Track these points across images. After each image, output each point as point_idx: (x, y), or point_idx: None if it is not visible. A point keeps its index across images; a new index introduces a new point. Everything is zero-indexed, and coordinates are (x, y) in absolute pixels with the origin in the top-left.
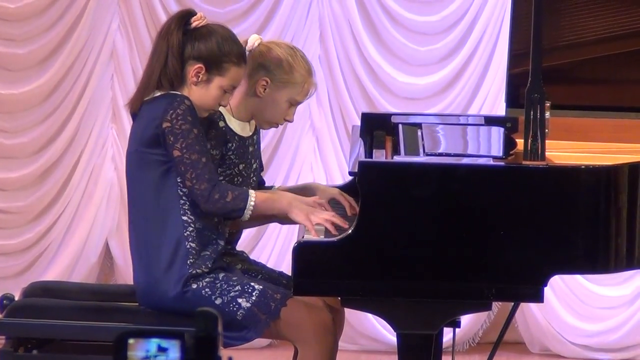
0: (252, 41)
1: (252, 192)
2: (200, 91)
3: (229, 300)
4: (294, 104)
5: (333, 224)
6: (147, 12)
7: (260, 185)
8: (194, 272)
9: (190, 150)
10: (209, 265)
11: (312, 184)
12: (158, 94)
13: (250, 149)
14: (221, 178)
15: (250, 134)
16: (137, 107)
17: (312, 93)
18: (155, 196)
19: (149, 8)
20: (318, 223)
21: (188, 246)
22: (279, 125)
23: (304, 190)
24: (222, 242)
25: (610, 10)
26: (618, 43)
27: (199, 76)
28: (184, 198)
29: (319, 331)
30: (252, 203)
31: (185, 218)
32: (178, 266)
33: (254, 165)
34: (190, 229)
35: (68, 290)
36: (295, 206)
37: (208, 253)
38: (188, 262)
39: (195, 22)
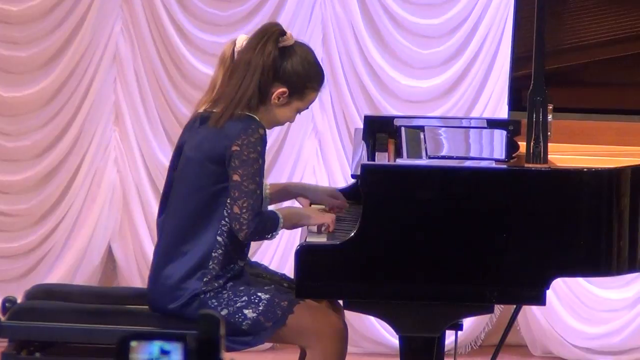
0: (241, 42)
1: (280, 217)
2: (278, 111)
3: (235, 311)
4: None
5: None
6: (149, 15)
7: None
8: (206, 289)
9: (250, 179)
10: (221, 283)
11: (303, 185)
12: (241, 112)
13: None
14: None
15: None
16: (223, 123)
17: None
18: (202, 209)
19: (152, 11)
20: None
21: (211, 266)
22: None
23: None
24: (242, 264)
25: (612, 13)
26: (620, 46)
27: (280, 99)
28: (226, 219)
29: (326, 335)
30: (281, 226)
31: (219, 239)
32: (193, 281)
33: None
34: (220, 251)
35: (70, 293)
36: (308, 217)
37: (223, 273)
38: (204, 280)
39: (285, 42)
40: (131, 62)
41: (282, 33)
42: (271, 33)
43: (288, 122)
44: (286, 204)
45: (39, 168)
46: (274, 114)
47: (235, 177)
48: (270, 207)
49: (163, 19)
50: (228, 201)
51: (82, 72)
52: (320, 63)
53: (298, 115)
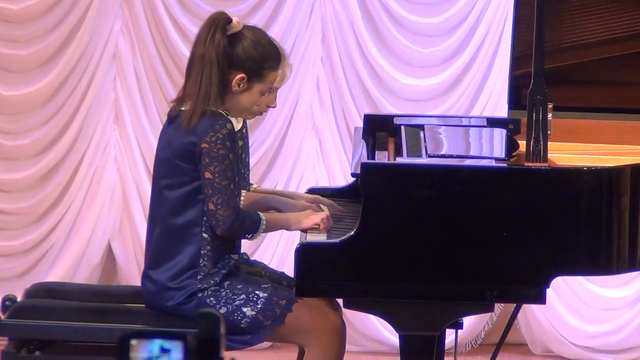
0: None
1: (263, 218)
2: (241, 97)
3: (233, 309)
4: (273, 91)
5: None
6: (149, 14)
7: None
8: (201, 286)
9: (222, 175)
10: (217, 280)
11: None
12: (208, 108)
13: (240, 142)
14: None
15: (239, 127)
16: (196, 122)
17: (288, 76)
18: (183, 208)
19: (152, 10)
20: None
21: (202, 264)
22: (263, 113)
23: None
24: (234, 257)
25: (612, 12)
26: (620, 45)
27: (240, 85)
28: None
29: (325, 333)
30: (263, 228)
31: (205, 235)
32: (187, 280)
33: (245, 160)
34: (208, 247)
35: (70, 291)
36: (294, 222)
37: (217, 269)
38: (198, 278)
39: (233, 29)
40: (131, 60)
41: (228, 21)
42: (217, 22)
43: (269, 107)
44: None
45: (39, 166)
46: (239, 101)
47: (207, 175)
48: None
49: (163, 17)
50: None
51: (82, 71)
52: (273, 41)
53: (276, 92)
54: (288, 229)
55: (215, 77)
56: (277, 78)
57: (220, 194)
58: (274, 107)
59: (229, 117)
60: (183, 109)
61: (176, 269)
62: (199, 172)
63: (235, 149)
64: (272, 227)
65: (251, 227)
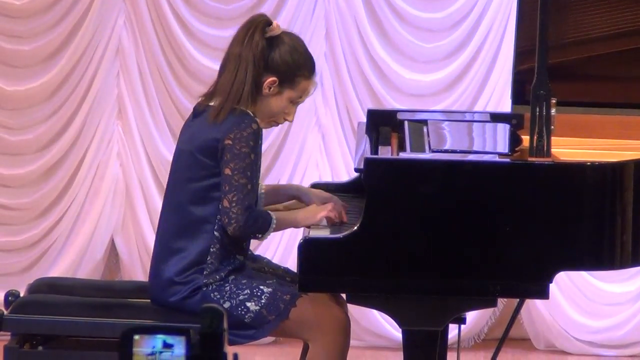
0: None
1: (273, 218)
2: (270, 101)
3: (237, 304)
4: (294, 103)
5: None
6: (152, 8)
7: None
8: (207, 281)
9: (241, 173)
10: (222, 276)
11: (297, 187)
12: (237, 106)
13: None
14: None
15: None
16: (223, 119)
17: (312, 92)
18: (199, 203)
19: (155, 5)
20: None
21: (210, 261)
22: (278, 124)
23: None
24: (240, 258)
25: (616, 7)
26: (624, 40)
27: (271, 88)
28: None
29: (329, 328)
30: (273, 227)
31: (217, 234)
32: (193, 275)
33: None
34: (218, 246)
35: (73, 286)
36: (302, 218)
37: (223, 266)
38: (204, 273)
39: (272, 32)
40: (134, 55)
41: (268, 23)
42: (257, 24)
43: (286, 120)
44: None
45: (42, 162)
46: (268, 104)
47: (227, 171)
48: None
49: (166, 12)
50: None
51: (85, 66)
52: (309, 51)
53: (296, 107)
54: (296, 226)
55: (249, 77)
56: (308, 87)
57: (236, 192)
58: (291, 120)
59: (255, 118)
60: (211, 104)
61: (184, 263)
62: (219, 169)
63: (258, 150)
64: (281, 227)
65: (262, 226)
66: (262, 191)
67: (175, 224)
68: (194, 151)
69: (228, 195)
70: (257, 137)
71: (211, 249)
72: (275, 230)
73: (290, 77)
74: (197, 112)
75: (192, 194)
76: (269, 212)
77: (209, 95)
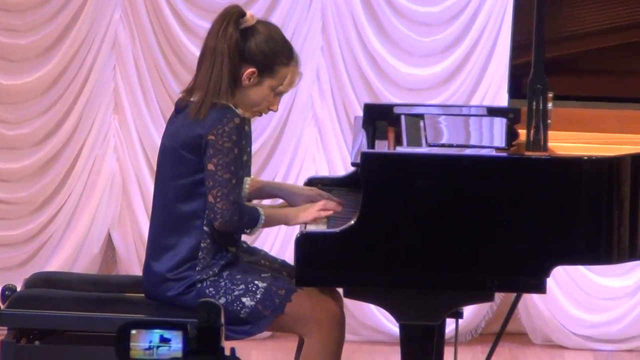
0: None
1: (262, 213)
2: (251, 92)
3: (233, 299)
4: (278, 93)
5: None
6: (149, 2)
7: None
8: (200, 277)
9: (224, 169)
10: (216, 271)
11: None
12: (218, 101)
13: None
14: None
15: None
16: (205, 114)
17: (296, 83)
18: (186, 199)
19: None
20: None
21: (201, 256)
22: (262, 115)
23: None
24: (233, 250)
25: (612, 1)
26: (621, 34)
27: (251, 79)
28: None
29: (324, 323)
30: (261, 223)
31: (206, 229)
32: (185, 271)
33: (248, 149)
34: (209, 240)
35: (70, 281)
36: (293, 216)
37: (215, 261)
38: (196, 269)
39: (246, 22)
40: (130, 49)
41: (242, 14)
42: (230, 15)
43: (270, 109)
44: (265, 202)
45: (39, 156)
46: (249, 95)
47: (210, 167)
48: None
49: (162, 6)
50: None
51: (82, 60)
52: (287, 39)
53: (280, 97)
54: (287, 224)
55: (226, 70)
56: (288, 74)
57: (220, 187)
58: (275, 110)
59: (237, 111)
60: (192, 99)
61: (175, 260)
62: (203, 164)
63: (241, 144)
64: (270, 223)
65: (250, 222)
66: (247, 186)
67: (165, 220)
68: (178, 148)
69: (212, 190)
70: (240, 131)
71: (202, 244)
72: (265, 226)
73: (268, 66)
74: (179, 108)
75: (179, 190)
76: (257, 207)
77: (189, 91)
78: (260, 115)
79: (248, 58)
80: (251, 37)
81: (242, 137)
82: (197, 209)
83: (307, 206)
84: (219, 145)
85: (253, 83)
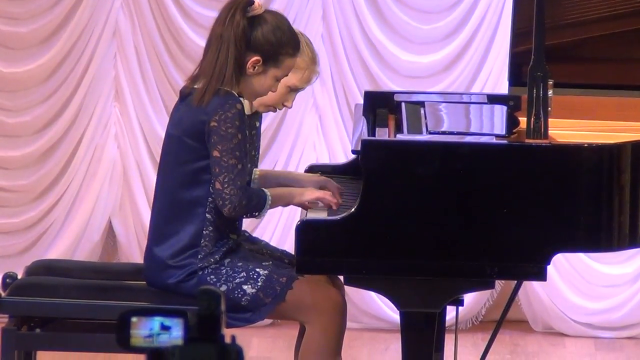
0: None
1: (268, 195)
2: (255, 81)
3: (234, 287)
4: (293, 89)
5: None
6: None
7: None
8: (202, 265)
9: (229, 154)
10: (217, 258)
11: (287, 174)
12: (221, 88)
13: (257, 123)
14: None
15: (250, 110)
16: (208, 101)
17: (313, 81)
18: (189, 186)
19: None
20: (315, 199)
21: (203, 244)
22: (277, 110)
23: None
24: (234, 237)
25: None
26: (622, 21)
27: (255, 67)
28: (213, 197)
29: (325, 310)
30: (269, 204)
31: (209, 216)
32: (187, 258)
33: (256, 143)
34: (211, 228)
35: (71, 268)
36: (299, 194)
37: (217, 248)
38: (198, 257)
39: (254, 11)
40: (131, 37)
41: (250, 2)
42: (238, 3)
43: (284, 106)
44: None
45: (39, 144)
46: (253, 84)
47: (215, 153)
48: None
49: None
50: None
51: (82, 48)
52: (294, 30)
53: (295, 93)
54: (291, 201)
55: (231, 57)
56: (293, 65)
57: (227, 172)
58: (290, 107)
59: (241, 98)
60: (196, 86)
61: (177, 247)
62: (207, 151)
63: (244, 129)
64: (277, 202)
65: (258, 204)
66: (256, 177)
67: (167, 207)
68: (181, 135)
69: (219, 177)
70: (243, 117)
71: (204, 232)
72: (272, 206)
73: (273, 56)
74: (184, 95)
75: (182, 177)
76: (263, 189)
77: (193, 78)
78: (275, 111)
79: (254, 46)
80: (258, 25)
81: (245, 122)
82: (200, 196)
83: (316, 189)
84: (222, 131)
85: (257, 72)
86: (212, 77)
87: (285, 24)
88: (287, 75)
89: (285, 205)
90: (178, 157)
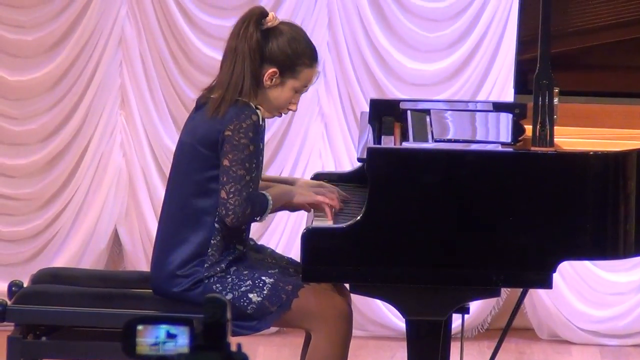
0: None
1: (269, 198)
2: (273, 93)
3: (239, 295)
4: (297, 91)
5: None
6: None
7: None
8: (208, 274)
9: (239, 165)
10: (223, 267)
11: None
12: (238, 99)
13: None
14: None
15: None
16: (224, 112)
17: (314, 81)
18: (199, 194)
19: None
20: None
21: (210, 253)
22: (282, 115)
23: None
24: (240, 247)
25: None
26: (627, 29)
27: (273, 79)
28: None
29: (331, 318)
30: (270, 207)
31: (217, 226)
32: (194, 267)
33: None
34: (219, 237)
35: (77, 276)
36: (299, 193)
37: (223, 257)
38: (205, 266)
39: (269, 23)
40: (137, 45)
41: (264, 15)
42: (251, 16)
43: (290, 109)
44: None
45: (45, 152)
46: (271, 96)
47: (225, 162)
48: None
49: (169, 2)
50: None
51: (88, 56)
52: (311, 40)
53: (299, 96)
54: (292, 199)
55: (247, 70)
56: (312, 76)
57: (234, 183)
58: (295, 110)
59: (258, 110)
60: (213, 96)
61: (185, 255)
62: (219, 160)
63: (258, 141)
64: (278, 202)
65: (260, 209)
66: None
67: (177, 215)
68: (195, 144)
69: (226, 186)
70: (257, 129)
71: (212, 241)
72: (273, 209)
73: (290, 67)
74: (199, 105)
75: (194, 185)
76: (264, 193)
77: (210, 89)
78: (280, 115)
79: (269, 58)
80: (273, 37)
81: (260, 135)
82: (210, 205)
83: (314, 191)
84: (235, 141)
85: (275, 84)
86: (228, 88)
87: (301, 35)
88: (306, 86)
89: (286, 203)
90: (190, 165)
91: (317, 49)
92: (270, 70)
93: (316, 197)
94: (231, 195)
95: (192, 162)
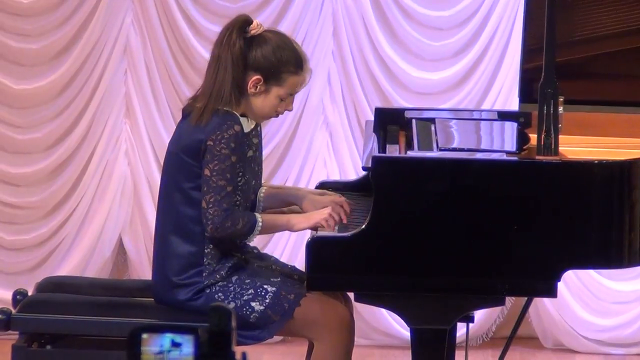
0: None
1: (259, 221)
2: (258, 101)
3: (242, 304)
4: (292, 93)
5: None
6: (160, 7)
7: None
8: (208, 282)
9: (220, 175)
10: (223, 275)
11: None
12: (220, 108)
13: (255, 140)
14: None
15: (251, 127)
16: (207, 120)
17: (308, 81)
18: (187, 204)
19: (163, 3)
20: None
21: (206, 262)
22: (278, 115)
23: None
24: (239, 255)
25: (623, 5)
26: (632, 38)
27: (257, 87)
28: None
29: (333, 327)
30: (258, 230)
31: (207, 234)
32: (192, 277)
33: (259, 158)
34: (211, 246)
35: (81, 285)
36: (296, 222)
37: (222, 264)
38: (203, 275)
39: (252, 31)
40: (142, 54)
41: (248, 22)
42: (235, 24)
43: (286, 109)
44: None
45: (50, 160)
46: (255, 104)
47: (206, 172)
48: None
49: (174, 11)
50: None
51: (93, 65)
52: (297, 47)
53: (293, 96)
54: (291, 229)
55: (229, 77)
56: (297, 83)
57: (214, 193)
58: (290, 110)
59: (242, 118)
60: (197, 105)
61: (180, 265)
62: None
63: (240, 151)
64: (270, 229)
65: (244, 228)
66: (262, 195)
67: (169, 225)
68: (180, 153)
69: (206, 196)
70: (240, 139)
71: (205, 250)
72: (265, 232)
73: (275, 74)
74: (185, 114)
75: (182, 195)
76: (255, 214)
77: (195, 98)
78: (277, 116)
79: (253, 66)
80: (257, 45)
81: (242, 145)
82: (197, 214)
83: (313, 213)
84: (216, 151)
85: (260, 91)
86: (210, 97)
87: (286, 42)
88: (292, 94)
89: (281, 230)
90: (177, 175)
91: (306, 55)
92: (254, 78)
93: (316, 220)
94: (210, 206)
95: (179, 172)
